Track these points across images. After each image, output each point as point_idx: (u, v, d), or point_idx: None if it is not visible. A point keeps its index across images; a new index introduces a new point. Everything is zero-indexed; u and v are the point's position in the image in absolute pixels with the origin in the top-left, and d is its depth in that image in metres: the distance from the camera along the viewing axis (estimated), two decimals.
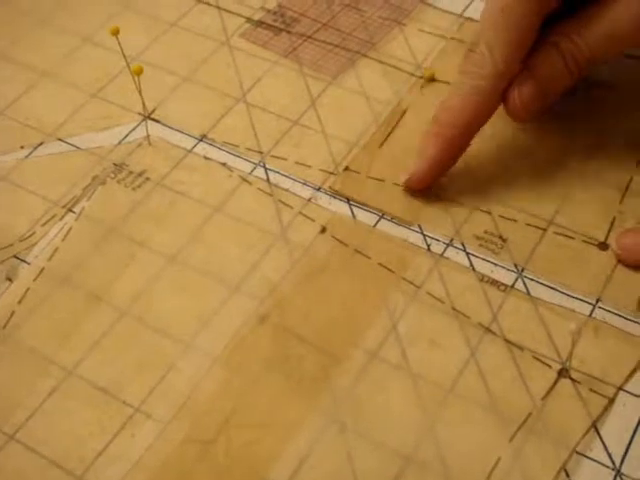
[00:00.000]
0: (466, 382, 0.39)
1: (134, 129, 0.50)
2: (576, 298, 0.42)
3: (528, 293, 0.42)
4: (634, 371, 0.39)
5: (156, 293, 0.43)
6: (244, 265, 0.43)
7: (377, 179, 0.47)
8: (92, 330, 0.41)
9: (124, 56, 0.49)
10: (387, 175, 0.47)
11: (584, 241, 0.44)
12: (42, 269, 0.44)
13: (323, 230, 0.45)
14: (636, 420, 0.38)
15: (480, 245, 0.44)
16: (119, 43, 0.47)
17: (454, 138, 0.44)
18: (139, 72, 0.46)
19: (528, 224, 0.44)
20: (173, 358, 0.40)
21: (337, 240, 0.44)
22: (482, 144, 0.47)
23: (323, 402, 0.39)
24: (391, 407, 0.38)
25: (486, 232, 0.44)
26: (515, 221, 0.45)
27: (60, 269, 0.44)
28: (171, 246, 0.44)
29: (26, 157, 0.49)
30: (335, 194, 0.46)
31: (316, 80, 0.52)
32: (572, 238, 0.44)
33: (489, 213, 0.45)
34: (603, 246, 0.43)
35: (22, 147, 0.50)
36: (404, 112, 0.50)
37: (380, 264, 0.43)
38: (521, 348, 0.40)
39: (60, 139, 0.50)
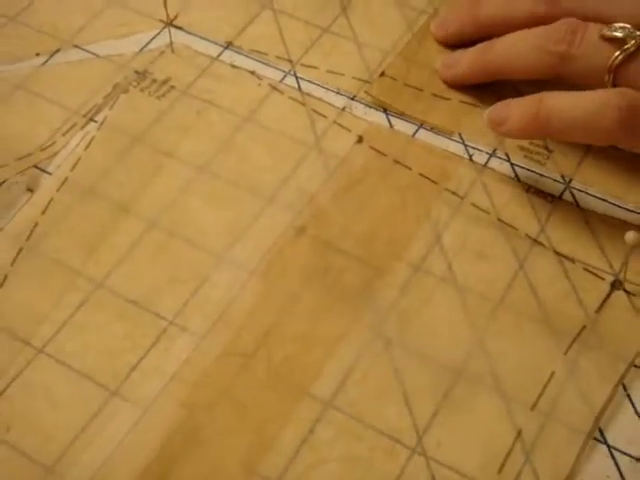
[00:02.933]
0: (515, 295, 0.37)
1: (156, 36, 0.47)
2: (628, 210, 0.40)
3: (577, 205, 0.40)
4: None
5: (186, 204, 0.41)
6: (277, 175, 0.41)
7: (415, 87, 0.44)
8: (120, 242, 0.39)
9: None
10: (425, 84, 0.44)
11: None
12: (65, 179, 0.41)
13: (360, 140, 0.43)
14: None
15: (525, 156, 0.42)
16: None
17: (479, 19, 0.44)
18: None
19: None
20: (207, 271, 0.38)
21: (375, 150, 0.42)
22: None
23: (366, 316, 0.37)
24: (438, 321, 0.37)
25: (531, 143, 0.42)
26: None
27: (84, 179, 0.41)
28: (200, 156, 0.42)
29: (42, 64, 0.46)
30: (371, 103, 0.44)
31: None
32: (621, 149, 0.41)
33: None
34: None
35: (38, 54, 0.47)
36: None
37: (421, 175, 0.41)
38: (572, 260, 0.38)
39: (77, 46, 0.47)
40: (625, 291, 0.37)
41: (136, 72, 0.46)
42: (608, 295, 0.37)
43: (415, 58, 0.46)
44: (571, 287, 0.37)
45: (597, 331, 0.36)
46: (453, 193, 0.41)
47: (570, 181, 0.41)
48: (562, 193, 0.40)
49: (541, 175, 0.41)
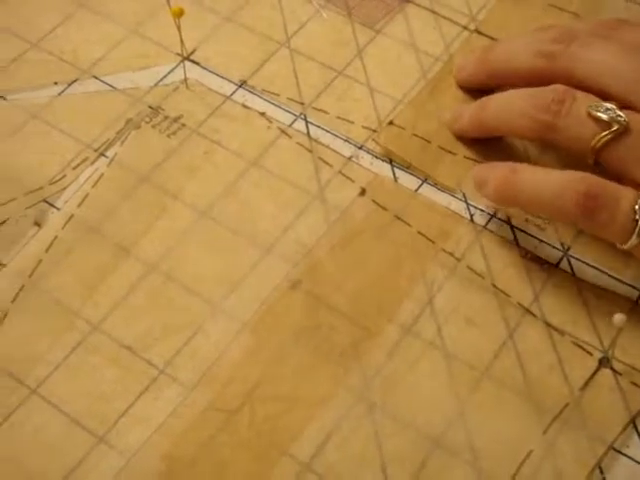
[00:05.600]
0: (502, 365, 0.38)
1: (172, 70, 0.48)
2: (623, 282, 0.40)
3: (573, 274, 0.40)
4: None
5: (186, 249, 0.41)
6: (278, 225, 0.42)
7: (423, 138, 0.44)
8: (119, 284, 0.40)
9: None
10: (432, 135, 0.44)
11: None
12: (71, 216, 0.42)
13: (362, 192, 0.43)
14: None
15: (526, 220, 0.42)
16: None
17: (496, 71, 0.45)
18: (179, 14, 0.44)
19: None
20: (201, 320, 0.39)
21: (376, 204, 0.42)
22: None
23: (352, 378, 0.37)
24: (422, 387, 0.37)
25: None
26: None
27: (89, 217, 0.42)
28: (204, 199, 0.43)
29: (59, 94, 0.47)
30: (378, 154, 0.44)
31: (364, 27, 0.49)
32: None
33: None
34: None
35: (56, 83, 0.48)
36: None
37: (420, 233, 0.41)
38: (562, 332, 0.38)
39: (95, 77, 0.48)
40: (612, 369, 0.37)
41: (150, 107, 0.46)
42: (595, 372, 0.37)
43: (425, 108, 0.46)
44: (558, 361, 0.38)
45: (579, 410, 0.36)
46: (450, 254, 0.41)
47: (568, 249, 0.41)
48: (560, 261, 0.40)
49: (540, 241, 0.41)
